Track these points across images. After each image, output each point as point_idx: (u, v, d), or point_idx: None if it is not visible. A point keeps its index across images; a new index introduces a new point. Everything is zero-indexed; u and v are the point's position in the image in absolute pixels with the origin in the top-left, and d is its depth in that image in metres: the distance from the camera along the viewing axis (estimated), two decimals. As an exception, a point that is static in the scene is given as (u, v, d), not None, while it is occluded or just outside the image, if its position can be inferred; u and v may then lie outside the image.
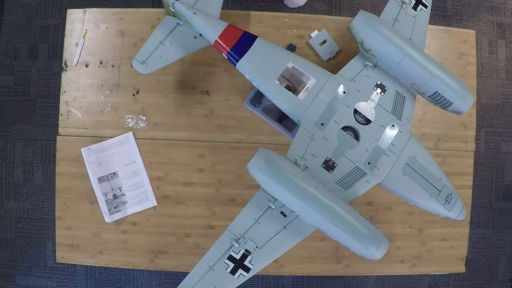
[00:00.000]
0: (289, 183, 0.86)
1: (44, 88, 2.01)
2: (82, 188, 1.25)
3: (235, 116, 1.27)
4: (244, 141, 1.27)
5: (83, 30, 1.29)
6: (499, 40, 2.15)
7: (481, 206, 2.09)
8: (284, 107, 1.00)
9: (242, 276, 0.90)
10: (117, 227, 1.25)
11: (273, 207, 0.91)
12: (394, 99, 1.01)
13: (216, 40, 1.03)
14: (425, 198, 0.95)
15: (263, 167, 0.87)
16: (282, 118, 1.20)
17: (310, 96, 0.98)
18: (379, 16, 1.06)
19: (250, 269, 0.90)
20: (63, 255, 1.25)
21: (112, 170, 1.25)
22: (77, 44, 1.29)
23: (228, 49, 1.03)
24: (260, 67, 0.97)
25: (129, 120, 1.27)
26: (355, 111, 0.99)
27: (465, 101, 0.97)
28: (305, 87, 0.98)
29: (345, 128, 0.97)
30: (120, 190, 1.25)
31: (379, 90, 1.01)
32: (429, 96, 1.00)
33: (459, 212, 0.97)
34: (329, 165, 0.95)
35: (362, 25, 0.97)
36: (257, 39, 1.02)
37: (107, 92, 1.28)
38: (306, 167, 0.94)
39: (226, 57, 1.05)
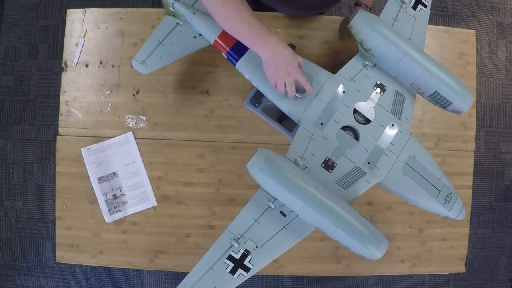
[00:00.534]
0: (288, 182, 0.87)
1: (44, 88, 2.02)
2: (82, 188, 1.25)
3: (235, 116, 1.27)
4: (244, 141, 1.27)
5: (83, 30, 1.29)
6: (499, 40, 2.15)
7: (481, 206, 2.09)
8: (284, 107, 1.00)
9: (241, 276, 0.90)
10: (117, 227, 1.25)
11: (272, 207, 0.91)
12: (394, 98, 1.01)
13: (215, 40, 1.03)
14: (424, 197, 0.95)
15: (263, 167, 0.87)
16: (282, 118, 1.20)
17: (309, 96, 0.98)
18: (379, 16, 1.06)
19: (249, 269, 0.90)
20: (63, 255, 1.25)
21: (112, 170, 1.25)
22: (77, 44, 1.29)
23: (228, 49, 1.03)
24: (260, 67, 0.97)
25: (129, 120, 1.27)
26: (355, 111, 0.99)
27: (464, 101, 0.97)
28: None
29: (344, 128, 0.97)
30: (120, 190, 1.25)
31: (378, 90, 1.01)
32: (428, 96, 1.00)
33: (458, 211, 0.97)
34: (328, 165, 0.95)
35: (362, 25, 0.97)
36: None
37: (107, 92, 1.28)
38: (306, 167, 0.94)
39: (226, 57, 1.05)
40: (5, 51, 2.04)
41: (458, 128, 1.32)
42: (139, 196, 1.25)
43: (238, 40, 1.01)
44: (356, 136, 0.97)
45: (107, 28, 1.29)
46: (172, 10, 1.06)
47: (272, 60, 0.90)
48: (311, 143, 0.96)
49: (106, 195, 1.25)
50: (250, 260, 0.90)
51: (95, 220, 1.25)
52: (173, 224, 1.25)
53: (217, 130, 1.27)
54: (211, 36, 1.04)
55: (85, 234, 1.25)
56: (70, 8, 1.32)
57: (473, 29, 1.38)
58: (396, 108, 1.00)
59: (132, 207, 1.25)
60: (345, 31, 1.29)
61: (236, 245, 0.90)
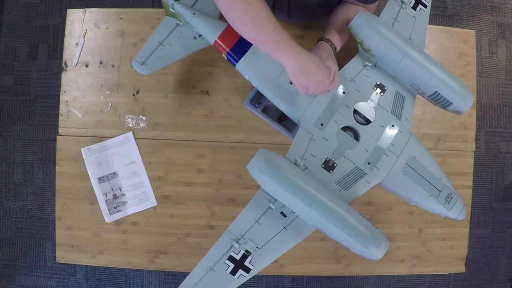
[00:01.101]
0: (288, 183, 0.86)
1: (44, 88, 2.02)
2: (82, 188, 1.25)
3: (235, 116, 1.27)
4: (244, 141, 1.27)
5: (83, 30, 1.29)
6: (499, 40, 2.15)
7: (481, 206, 2.09)
8: (284, 108, 1.00)
9: (242, 276, 0.90)
10: (117, 227, 1.25)
11: (273, 207, 0.91)
12: (394, 99, 1.01)
13: (215, 41, 1.03)
14: (425, 198, 0.95)
15: (263, 168, 0.87)
16: (282, 118, 1.20)
17: (309, 96, 0.98)
18: (379, 16, 1.06)
19: (250, 269, 0.90)
20: (63, 255, 1.25)
21: (112, 170, 1.25)
22: (77, 44, 1.29)
23: (228, 50, 1.03)
24: (260, 68, 0.96)
25: (129, 120, 1.27)
26: (355, 111, 0.99)
27: (465, 101, 0.97)
28: None
29: (345, 128, 0.97)
30: (120, 190, 1.25)
31: (378, 90, 1.01)
32: (428, 96, 1.00)
33: (459, 211, 0.97)
34: (329, 165, 0.95)
35: (362, 25, 0.97)
36: None
37: (107, 92, 1.28)
38: (306, 167, 0.94)
39: (226, 58, 1.05)
40: (5, 51, 2.04)
41: (458, 128, 1.32)
42: (139, 196, 1.25)
43: (238, 41, 1.01)
44: (356, 136, 0.97)
45: (107, 28, 1.29)
46: (172, 11, 1.06)
47: (302, 67, 0.87)
48: (311, 144, 0.96)
49: (106, 195, 1.25)
50: (250, 261, 0.90)
51: (95, 220, 1.25)
52: (173, 224, 1.25)
53: (217, 130, 1.27)
54: (211, 37, 1.04)
55: (85, 234, 1.25)
56: (70, 8, 1.32)
57: (473, 29, 1.38)
58: (396, 109, 1.00)
59: (132, 207, 1.25)
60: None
61: (236, 245, 0.90)
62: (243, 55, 1.02)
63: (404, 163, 0.96)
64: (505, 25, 2.16)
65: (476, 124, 1.33)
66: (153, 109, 1.27)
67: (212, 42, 1.05)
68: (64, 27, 1.30)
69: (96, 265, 1.43)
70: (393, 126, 0.98)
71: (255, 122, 1.27)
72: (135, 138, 1.26)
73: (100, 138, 1.26)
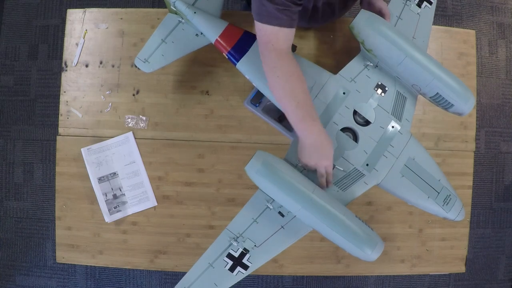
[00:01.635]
0: (286, 185, 0.87)
1: (44, 88, 2.02)
2: (82, 188, 1.25)
3: (235, 116, 1.27)
4: (244, 141, 1.27)
5: (83, 30, 1.29)
6: (499, 40, 2.15)
7: (481, 206, 2.09)
8: None
9: (240, 273, 0.91)
10: (117, 227, 1.25)
11: (271, 207, 0.91)
12: (395, 99, 1.01)
13: (216, 40, 1.03)
14: (423, 199, 0.95)
15: (261, 170, 0.87)
16: (282, 118, 1.20)
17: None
18: None
19: (248, 266, 0.91)
20: (63, 255, 1.25)
21: (112, 170, 1.25)
22: (77, 44, 1.29)
23: (229, 49, 1.03)
24: (261, 67, 0.97)
25: (129, 120, 1.27)
26: (355, 112, 0.98)
27: (466, 103, 0.97)
28: None
29: (344, 130, 0.97)
30: (120, 190, 1.25)
31: (379, 91, 1.00)
32: (430, 97, 0.99)
33: (457, 213, 0.97)
34: None
35: (363, 25, 0.97)
36: None
37: (107, 92, 1.28)
38: (304, 169, 0.94)
39: (226, 57, 1.05)
40: (5, 51, 2.04)
41: (458, 128, 1.32)
42: (139, 196, 1.25)
43: (239, 40, 1.01)
44: (355, 137, 0.97)
45: (107, 28, 1.29)
46: (174, 8, 1.06)
47: (312, 147, 0.90)
48: None
49: (106, 195, 1.25)
50: (248, 259, 0.90)
51: (95, 220, 1.25)
52: (173, 224, 1.25)
53: (217, 130, 1.27)
54: (212, 36, 1.04)
55: (85, 234, 1.25)
56: (70, 8, 1.32)
57: (473, 29, 1.38)
58: (396, 109, 1.00)
59: (132, 207, 1.25)
60: (346, 31, 1.29)
61: (235, 244, 0.90)
62: (244, 55, 1.02)
63: (403, 164, 0.96)
64: (505, 25, 2.16)
65: (476, 124, 1.33)
66: (153, 109, 1.27)
67: (213, 41, 1.05)
68: (64, 27, 1.30)
69: (96, 265, 1.43)
70: (393, 127, 0.98)
71: (255, 122, 1.27)
72: (135, 138, 1.26)
73: (100, 138, 1.26)
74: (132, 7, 1.34)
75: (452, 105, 0.97)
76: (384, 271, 1.30)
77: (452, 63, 1.33)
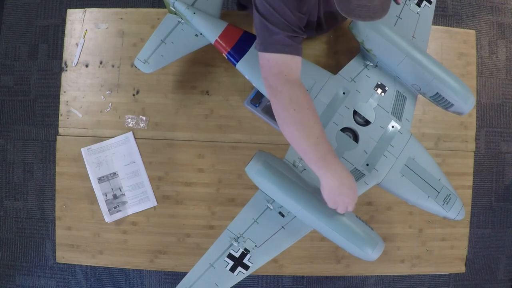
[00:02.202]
0: (285, 186, 0.87)
1: (44, 88, 2.02)
2: (82, 188, 1.25)
3: (235, 116, 1.27)
4: (244, 141, 1.27)
5: (83, 30, 1.29)
6: (499, 40, 2.15)
7: (481, 206, 2.09)
8: None
9: (241, 273, 0.91)
10: (117, 227, 1.25)
11: (271, 207, 0.92)
12: (395, 99, 1.01)
13: (216, 40, 1.03)
14: (423, 199, 0.96)
15: (261, 171, 0.87)
16: None
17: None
18: None
19: (249, 267, 0.91)
20: (63, 255, 1.25)
21: (112, 170, 1.25)
22: (77, 44, 1.29)
23: (228, 49, 1.03)
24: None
25: (129, 120, 1.27)
26: (355, 112, 0.98)
27: (466, 103, 0.97)
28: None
29: (344, 130, 0.97)
30: (120, 190, 1.25)
31: (379, 91, 1.00)
32: (430, 97, 0.99)
33: (457, 212, 0.97)
34: None
35: (363, 25, 0.97)
36: None
37: (107, 92, 1.28)
38: (304, 169, 0.94)
39: (226, 57, 1.05)
40: (5, 51, 2.04)
41: (458, 128, 1.32)
42: (139, 196, 1.25)
43: (239, 41, 1.01)
44: (355, 137, 0.97)
45: (107, 28, 1.29)
46: (173, 9, 1.06)
47: (338, 188, 0.82)
48: None
49: (106, 195, 1.25)
50: (249, 259, 0.90)
51: (95, 220, 1.25)
52: (173, 224, 1.25)
53: (217, 130, 1.27)
54: (212, 36, 1.04)
55: (85, 234, 1.25)
56: (70, 8, 1.32)
57: (473, 29, 1.38)
58: (396, 109, 1.00)
59: (132, 207, 1.25)
60: (346, 31, 1.29)
61: (235, 244, 0.90)
62: (243, 55, 1.01)
63: (403, 164, 0.96)
64: (505, 25, 2.16)
65: (476, 124, 1.33)
66: (153, 109, 1.27)
67: (212, 41, 1.05)
68: (64, 27, 1.30)
69: (96, 265, 1.43)
70: (392, 127, 0.98)
71: (255, 122, 1.26)
72: (135, 138, 1.26)
73: (100, 138, 1.26)
74: (132, 7, 1.34)
75: (452, 104, 0.97)
76: (384, 271, 1.30)
77: (452, 63, 1.33)
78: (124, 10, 1.30)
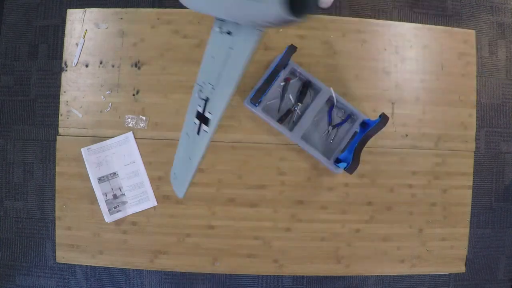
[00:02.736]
0: None
1: (44, 88, 2.02)
2: (82, 188, 1.25)
3: (235, 116, 1.27)
4: (244, 141, 1.27)
5: (83, 30, 1.29)
6: (499, 40, 2.15)
7: (481, 206, 2.09)
8: None
9: (204, 132, 0.83)
10: (117, 227, 1.25)
11: (221, 29, 0.80)
12: None
13: None
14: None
15: None
16: (282, 119, 1.20)
17: None
18: None
19: (209, 119, 0.82)
20: (63, 255, 1.25)
21: (112, 170, 1.25)
22: (77, 44, 1.29)
23: None
24: None
25: (129, 120, 1.27)
26: None
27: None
28: None
29: None
30: (120, 190, 1.25)
31: None
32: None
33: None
34: None
35: None
36: None
37: (107, 92, 1.28)
38: None
39: None
40: (5, 51, 2.04)
41: (458, 128, 1.32)
42: (139, 196, 1.25)
43: None
44: None
45: (107, 28, 1.29)
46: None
47: None
48: None
49: (106, 195, 1.25)
50: (209, 110, 0.83)
51: (95, 220, 1.25)
52: (173, 224, 1.25)
53: (217, 130, 1.27)
54: None
55: (85, 234, 1.25)
56: (70, 8, 1.32)
57: (473, 29, 1.37)
58: None
59: (132, 207, 1.25)
60: (346, 31, 1.29)
61: (201, 96, 0.84)
62: None
63: None
64: (505, 25, 2.16)
65: (476, 124, 1.33)
66: (153, 109, 1.27)
67: None
68: (64, 27, 1.30)
69: (96, 265, 1.43)
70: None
71: (255, 122, 1.26)
72: (135, 138, 1.26)
73: (100, 138, 1.26)
74: (132, 7, 1.34)
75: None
76: (384, 271, 1.30)
77: (452, 63, 1.33)
78: (124, 10, 1.30)
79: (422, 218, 1.30)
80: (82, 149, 1.25)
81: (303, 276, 1.97)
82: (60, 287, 1.96)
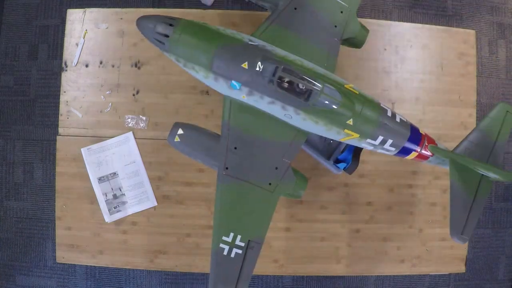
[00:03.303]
0: None
1: (44, 88, 2.01)
2: (82, 188, 1.25)
3: (235, 116, 1.27)
4: (244, 141, 1.27)
5: (83, 30, 1.29)
6: (499, 40, 2.15)
7: (481, 206, 2.09)
8: None
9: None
10: (117, 227, 1.25)
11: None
12: None
13: None
14: None
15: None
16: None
17: None
18: None
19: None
20: (63, 255, 1.25)
21: (112, 170, 1.25)
22: (77, 44, 1.29)
23: None
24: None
25: (129, 120, 1.27)
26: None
27: None
28: None
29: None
30: (120, 190, 1.25)
31: None
32: None
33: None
34: None
35: None
36: None
37: (107, 92, 1.28)
38: None
39: None
40: (5, 51, 2.04)
41: (458, 128, 1.32)
42: (139, 196, 1.25)
43: None
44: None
45: (107, 28, 1.29)
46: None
47: None
48: None
49: (106, 195, 1.25)
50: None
51: (95, 220, 1.25)
52: (173, 224, 1.25)
53: (217, 130, 1.27)
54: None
55: (85, 234, 1.25)
56: (70, 8, 1.32)
57: (473, 29, 1.38)
58: None
59: (132, 207, 1.25)
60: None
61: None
62: None
63: None
64: (505, 25, 2.16)
65: (476, 124, 1.33)
66: (153, 109, 1.27)
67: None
68: (64, 27, 1.30)
69: (96, 265, 1.43)
70: None
71: (255, 122, 1.26)
72: (135, 138, 1.26)
73: (100, 138, 1.26)
74: (132, 7, 1.34)
75: None
76: (384, 271, 1.30)
77: (452, 63, 1.33)
78: (124, 10, 1.30)
79: (422, 218, 1.30)
80: (82, 149, 1.25)
81: (303, 276, 1.97)
82: (60, 287, 1.96)
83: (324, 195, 1.27)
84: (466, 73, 1.33)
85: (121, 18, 1.29)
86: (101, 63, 1.28)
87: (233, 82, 0.88)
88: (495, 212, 2.10)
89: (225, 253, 0.91)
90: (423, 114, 1.31)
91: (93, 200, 1.24)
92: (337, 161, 1.21)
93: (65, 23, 1.30)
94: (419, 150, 0.98)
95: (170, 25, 0.89)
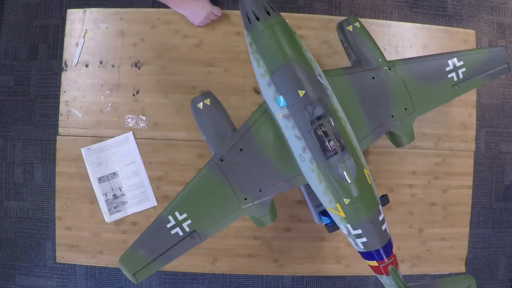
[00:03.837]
0: None
1: (44, 88, 2.01)
2: (82, 188, 1.25)
3: (235, 116, 1.26)
4: (244, 141, 1.27)
5: (83, 30, 1.29)
6: (499, 40, 2.15)
7: (481, 206, 2.09)
8: None
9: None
10: (117, 227, 1.25)
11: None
12: None
13: None
14: None
15: None
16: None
17: None
18: None
19: None
20: (63, 255, 1.25)
21: (112, 170, 1.25)
22: (77, 44, 1.29)
23: None
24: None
25: (129, 120, 1.27)
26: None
27: None
28: None
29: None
30: (120, 190, 1.25)
31: None
32: None
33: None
34: None
35: None
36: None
37: (107, 92, 1.28)
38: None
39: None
40: (5, 51, 2.04)
41: (458, 128, 1.32)
42: (139, 196, 1.25)
43: None
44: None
45: (107, 28, 1.29)
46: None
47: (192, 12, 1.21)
48: None
49: (106, 195, 1.25)
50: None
51: (95, 220, 1.25)
52: (173, 224, 1.25)
53: (217, 130, 1.27)
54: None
55: (85, 234, 1.25)
56: (70, 8, 1.32)
57: (473, 29, 1.38)
58: None
59: (132, 207, 1.25)
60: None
61: None
62: None
63: None
64: (505, 25, 2.16)
65: (476, 124, 1.33)
66: (153, 109, 1.27)
67: None
68: (64, 27, 1.30)
69: (96, 265, 1.43)
70: None
71: (255, 122, 1.26)
72: (135, 138, 1.26)
73: (100, 138, 1.26)
74: (132, 7, 1.34)
75: None
76: (384, 271, 1.29)
77: (452, 63, 1.32)
78: (124, 10, 1.30)
79: (422, 218, 1.30)
80: (82, 149, 1.25)
81: (303, 276, 1.97)
82: (60, 287, 1.96)
83: (324, 195, 1.27)
84: (466, 73, 1.33)
85: (121, 18, 1.29)
86: (101, 63, 1.28)
87: (281, 98, 0.88)
88: (495, 212, 2.10)
89: (168, 225, 0.91)
90: (423, 114, 1.31)
91: (93, 200, 1.24)
92: (323, 213, 1.15)
93: (65, 23, 1.30)
94: (382, 263, 1.00)
95: (267, 12, 0.88)
